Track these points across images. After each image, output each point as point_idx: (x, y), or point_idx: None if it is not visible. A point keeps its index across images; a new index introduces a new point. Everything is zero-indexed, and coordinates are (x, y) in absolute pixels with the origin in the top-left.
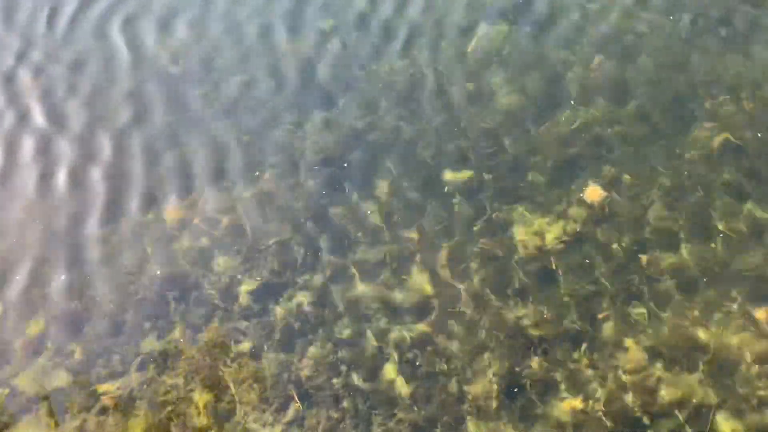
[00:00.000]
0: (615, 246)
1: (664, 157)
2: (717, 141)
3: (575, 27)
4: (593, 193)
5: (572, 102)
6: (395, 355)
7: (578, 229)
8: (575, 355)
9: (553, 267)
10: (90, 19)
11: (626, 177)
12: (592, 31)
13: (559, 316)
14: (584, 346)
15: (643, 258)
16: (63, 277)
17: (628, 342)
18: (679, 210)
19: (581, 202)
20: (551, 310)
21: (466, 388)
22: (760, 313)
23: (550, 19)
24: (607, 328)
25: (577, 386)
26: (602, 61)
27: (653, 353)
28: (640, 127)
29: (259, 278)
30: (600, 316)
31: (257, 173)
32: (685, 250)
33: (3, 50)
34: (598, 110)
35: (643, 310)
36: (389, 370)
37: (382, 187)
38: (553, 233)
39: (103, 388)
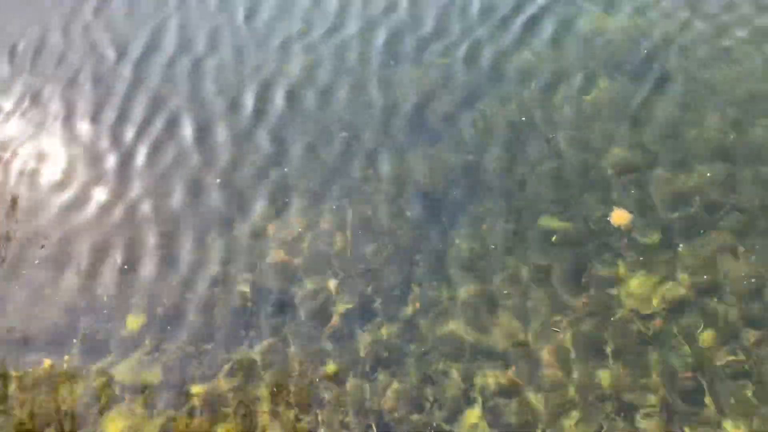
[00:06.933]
0: (723, 318)
1: None
2: None
3: (698, 87)
4: (619, 216)
5: (688, 162)
6: (480, 400)
7: (686, 296)
8: (670, 429)
9: (655, 332)
10: None
11: (741, 247)
12: (717, 93)
13: (656, 384)
14: (680, 420)
15: (753, 335)
16: (165, 277)
17: (727, 424)
18: None
19: (691, 267)
20: (648, 377)
21: None
22: None
23: (672, 77)
24: (707, 405)
25: None
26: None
27: None
28: (760, 195)
29: (351, 302)
30: (699, 391)
31: (359, 197)
32: None
33: None
34: (715, 173)
35: (748, 393)
36: (472, 415)
37: (479, 226)
38: (658, 296)
39: (194, 389)
